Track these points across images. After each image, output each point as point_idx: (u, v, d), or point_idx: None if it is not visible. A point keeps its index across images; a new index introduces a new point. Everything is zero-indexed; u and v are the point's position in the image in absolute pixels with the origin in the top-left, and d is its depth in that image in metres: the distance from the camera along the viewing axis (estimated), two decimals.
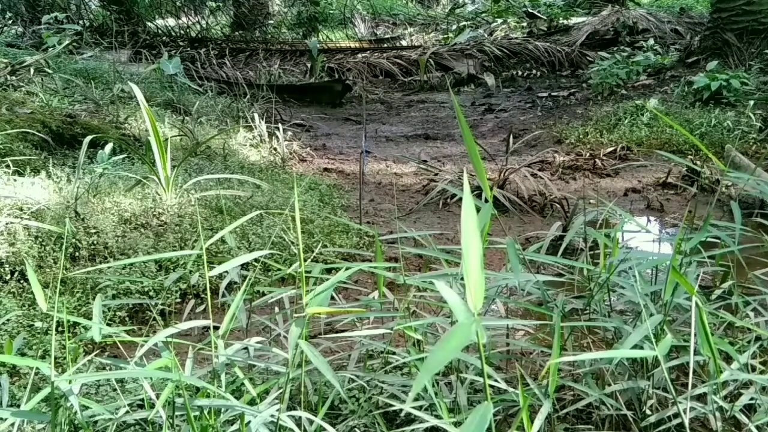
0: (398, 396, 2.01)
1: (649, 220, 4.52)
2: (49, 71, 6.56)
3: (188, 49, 10.77)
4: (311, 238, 3.79)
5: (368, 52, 11.56)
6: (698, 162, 5.19)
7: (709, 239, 2.18)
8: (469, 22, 13.89)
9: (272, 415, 1.64)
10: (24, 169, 4.02)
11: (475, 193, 4.29)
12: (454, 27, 13.76)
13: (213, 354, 1.80)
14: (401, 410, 1.99)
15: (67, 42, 7.63)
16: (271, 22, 14.48)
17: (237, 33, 13.11)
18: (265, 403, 1.79)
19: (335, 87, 9.13)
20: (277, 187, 4.59)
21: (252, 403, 1.78)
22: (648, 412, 1.93)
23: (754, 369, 2.03)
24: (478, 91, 9.86)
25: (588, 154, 5.84)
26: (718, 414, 1.87)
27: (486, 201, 1.91)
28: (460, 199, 1.31)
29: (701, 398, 1.94)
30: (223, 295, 2.43)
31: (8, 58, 6.79)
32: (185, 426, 1.77)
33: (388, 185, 5.46)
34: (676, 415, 1.83)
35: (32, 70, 6.40)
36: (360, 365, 2.23)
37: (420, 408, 1.88)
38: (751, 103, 6.23)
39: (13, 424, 1.82)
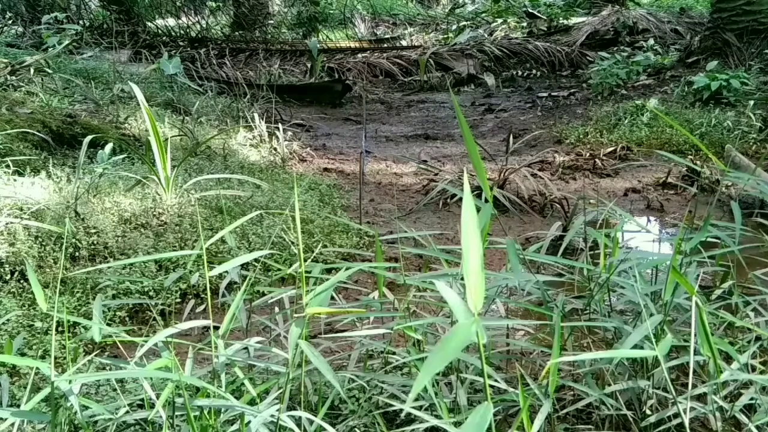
0: (398, 396, 2.01)
1: (649, 220, 4.52)
2: (49, 71, 6.56)
3: (188, 49, 10.76)
4: (311, 238, 3.79)
5: (368, 52, 11.55)
6: (698, 162, 5.19)
7: (709, 239, 2.18)
8: (469, 22, 13.87)
9: (272, 415, 1.64)
10: (24, 169, 4.02)
11: (475, 193, 4.29)
12: (454, 27, 13.74)
13: (213, 354, 1.80)
14: (401, 410, 1.99)
15: (67, 42, 7.63)
16: (271, 22, 14.46)
17: (237, 33, 13.09)
18: (265, 403, 1.79)
19: (335, 87, 9.12)
20: (277, 187, 4.59)
21: (252, 403, 1.78)
22: (648, 412, 1.93)
23: (754, 369, 2.03)
24: (478, 91, 9.85)
25: (588, 154, 5.84)
26: (718, 414, 1.87)
27: (486, 201, 1.91)
28: (460, 199, 1.31)
29: (701, 398, 1.94)
30: (223, 295, 2.43)
31: (8, 58, 6.79)
32: (185, 426, 1.77)
33: (388, 185, 5.46)
34: (676, 415, 1.83)
35: (32, 70, 6.40)
36: (360, 365, 2.23)
37: (420, 408, 1.88)
38: (751, 103, 6.22)
39: (13, 424, 1.82)
